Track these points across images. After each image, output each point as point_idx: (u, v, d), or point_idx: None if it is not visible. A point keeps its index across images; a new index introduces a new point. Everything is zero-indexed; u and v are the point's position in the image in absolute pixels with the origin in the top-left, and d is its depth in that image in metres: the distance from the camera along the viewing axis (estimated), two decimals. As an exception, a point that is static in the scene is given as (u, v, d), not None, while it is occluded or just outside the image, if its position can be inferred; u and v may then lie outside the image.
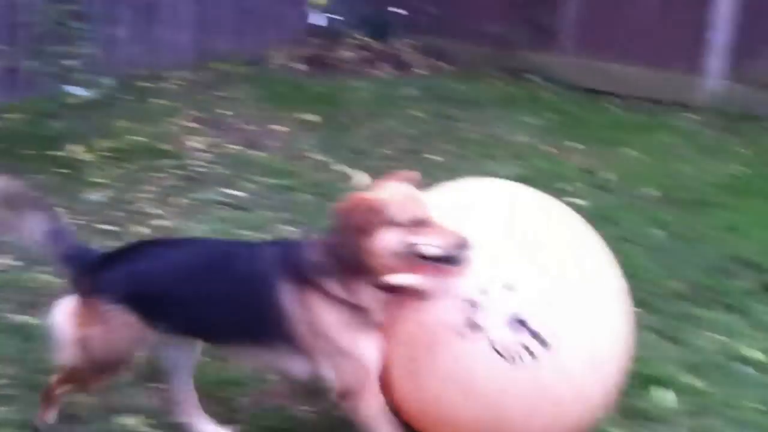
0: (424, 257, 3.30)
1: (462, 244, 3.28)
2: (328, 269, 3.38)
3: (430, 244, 3.28)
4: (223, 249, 3.65)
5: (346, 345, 3.40)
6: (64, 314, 3.53)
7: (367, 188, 3.61)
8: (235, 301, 3.45)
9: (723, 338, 4.79)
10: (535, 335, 3.30)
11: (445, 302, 3.35)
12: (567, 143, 7.84)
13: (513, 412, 3.38)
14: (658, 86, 9.25)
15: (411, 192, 3.40)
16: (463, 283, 3.34)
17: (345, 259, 3.34)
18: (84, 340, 3.50)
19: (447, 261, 3.30)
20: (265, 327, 3.43)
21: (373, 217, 3.28)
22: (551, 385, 3.35)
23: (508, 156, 7.40)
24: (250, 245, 3.74)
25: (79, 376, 3.61)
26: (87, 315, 3.49)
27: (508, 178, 4.08)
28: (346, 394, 3.44)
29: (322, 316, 3.39)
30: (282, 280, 3.40)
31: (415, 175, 3.51)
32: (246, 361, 3.85)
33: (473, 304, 3.32)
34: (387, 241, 3.28)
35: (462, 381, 3.36)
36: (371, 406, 3.44)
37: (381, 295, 3.36)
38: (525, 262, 3.40)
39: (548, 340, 3.31)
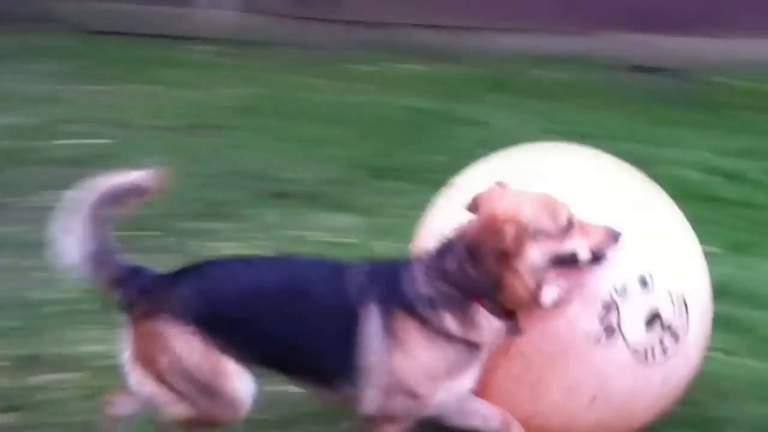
0: (576, 263, 2.95)
1: (615, 238, 2.96)
2: (440, 299, 2.95)
3: (584, 247, 2.93)
4: (304, 268, 3.21)
5: (433, 389, 3.03)
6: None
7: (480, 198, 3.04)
8: (315, 329, 3.05)
9: (234, 244, 5.18)
10: (669, 329, 3.10)
11: (578, 308, 3.03)
12: (87, 87, 7.88)
13: (639, 409, 3.18)
14: (175, 21, 9.51)
15: (543, 194, 2.97)
16: (599, 282, 3.03)
17: (473, 287, 2.91)
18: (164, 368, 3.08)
19: (597, 260, 2.97)
20: (345, 359, 3.02)
21: (521, 234, 2.85)
22: (676, 375, 3.19)
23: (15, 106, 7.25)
24: (337, 265, 3.18)
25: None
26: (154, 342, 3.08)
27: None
28: (384, 421, 3.10)
29: (419, 353, 2.98)
30: (372, 309, 2.98)
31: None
32: (318, 396, 3.32)
33: (609, 307, 3.04)
34: (537, 257, 2.88)
35: (592, 387, 3.11)
36: None
37: (499, 325, 2.97)
38: (653, 246, 3.10)
39: (679, 332, 3.11)
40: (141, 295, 3.09)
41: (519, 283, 2.88)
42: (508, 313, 2.95)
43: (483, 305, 2.92)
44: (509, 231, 2.83)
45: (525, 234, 2.84)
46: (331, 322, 3.03)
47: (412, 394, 3.00)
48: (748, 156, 7.03)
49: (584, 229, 2.93)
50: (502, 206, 2.90)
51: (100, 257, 3.07)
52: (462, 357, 2.97)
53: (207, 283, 3.11)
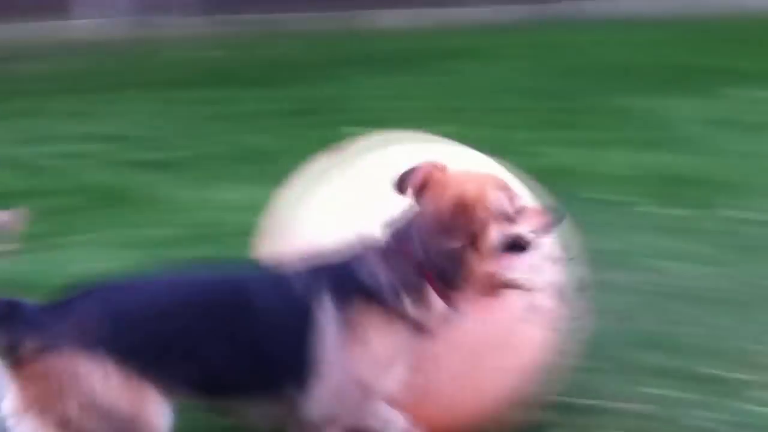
0: (524, 246, 2.87)
1: (555, 222, 2.94)
2: (401, 284, 2.77)
3: (531, 230, 2.86)
4: (229, 278, 2.85)
5: (386, 379, 2.82)
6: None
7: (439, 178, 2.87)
8: (262, 338, 2.75)
9: None
10: (566, 296, 3.17)
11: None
12: None
13: (534, 372, 3.20)
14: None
15: (496, 176, 2.92)
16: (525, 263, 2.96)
17: (433, 268, 2.77)
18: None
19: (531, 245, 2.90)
20: (297, 362, 2.75)
21: (488, 216, 2.77)
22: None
23: None
24: (268, 272, 2.90)
25: None
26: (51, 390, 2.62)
27: None
28: (331, 422, 2.84)
29: (378, 341, 2.79)
30: (325, 303, 2.73)
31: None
32: (255, 415, 2.92)
33: (531, 286, 2.99)
34: (497, 239, 2.77)
35: (515, 368, 3.13)
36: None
37: (446, 309, 2.82)
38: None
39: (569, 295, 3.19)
40: (27, 331, 2.62)
41: (481, 265, 2.79)
42: (452, 298, 2.83)
43: (435, 288, 2.80)
44: (480, 213, 2.75)
45: (491, 216, 2.77)
46: (281, 328, 2.76)
47: (366, 388, 2.82)
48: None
49: (532, 212, 2.92)
50: (469, 188, 2.78)
51: None
52: (411, 342, 2.84)
53: (114, 305, 2.71)
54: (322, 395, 2.77)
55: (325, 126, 6.54)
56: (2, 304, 2.59)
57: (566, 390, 3.43)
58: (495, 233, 2.77)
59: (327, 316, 2.74)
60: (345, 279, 2.77)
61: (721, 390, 3.63)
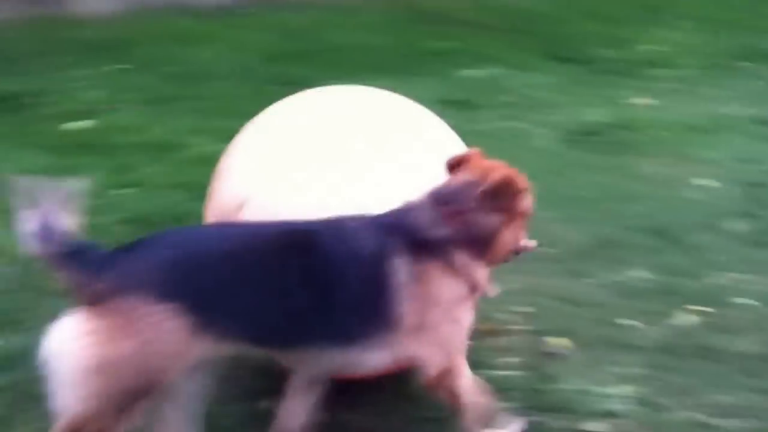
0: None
1: None
2: (457, 241, 2.93)
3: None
4: (297, 230, 2.83)
5: (459, 324, 2.99)
6: (71, 336, 2.57)
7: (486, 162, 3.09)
8: (338, 286, 2.77)
9: None
10: None
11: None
12: None
13: None
14: None
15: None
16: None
17: (478, 232, 2.96)
18: (111, 364, 2.56)
19: None
20: (361, 313, 2.81)
21: (525, 198, 3.04)
22: None
23: None
24: (331, 222, 2.89)
25: (96, 422, 2.60)
26: (112, 327, 2.57)
27: None
28: (444, 375, 2.96)
29: (442, 291, 2.92)
30: (399, 257, 2.83)
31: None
32: (313, 366, 2.98)
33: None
34: (527, 219, 3.09)
35: None
36: (466, 383, 3.02)
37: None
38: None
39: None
40: (97, 272, 2.60)
41: (509, 240, 3.04)
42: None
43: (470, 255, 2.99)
44: (525, 194, 3.03)
45: (527, 200, 3.04)
46: (353, 277, 2.81)
47: (440, 339, 2.96)
48: None
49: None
50: (514, 173, 3.03)
51: (44, 233, 2.58)
52: (468, 295, 3.01)
53: (183, 251, 2.69)
54: (392, 344, 2.88)
55: (32, 121, 6.24)
56: (75, 245, 2.60)
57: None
58: (527, 214, 3.07)
59: (398, 268, 2.83)
60: (410, 235, 2.88)
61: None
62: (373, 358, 2.93)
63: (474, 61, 7.13)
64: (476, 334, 3.90)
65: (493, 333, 4.05)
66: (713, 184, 5.42)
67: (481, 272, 3.01)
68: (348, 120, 3.37)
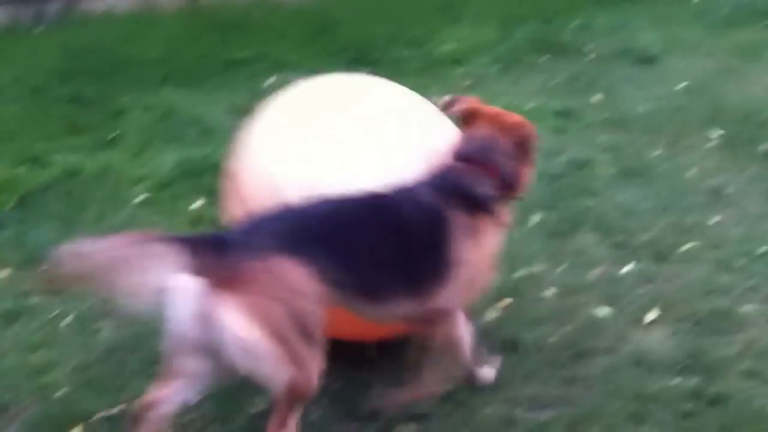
0: None
1: None
2: (495, 192, 3.35)
3: None
4: (376, 196, 3.20)
5: (490, 267, 3.42)
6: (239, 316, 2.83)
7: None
8: (412, 243, 3.17)
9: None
10: None
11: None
12: None
13: None
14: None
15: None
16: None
17: (510, 180, 3.39)
18: (278, 322, 2.87)
19: None
20: (429, 265, 3.20)
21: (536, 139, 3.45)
22: None
23: None
24: (396, 188, 3.24)
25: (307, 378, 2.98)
26: (267, 292, 2.87)
27: None
28: (445, 317, 3.34)
29: (488, 242, 3.34)
30: (456, 213, 3.23)
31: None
32: (389, 316, 3.28)
33: None
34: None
35: None
36: (461, 325, 3.44)
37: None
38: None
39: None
40: (237, 250, 2.90)
41: (529, 179, 3.46)
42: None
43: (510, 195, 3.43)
44: (535, 138, 3.44)
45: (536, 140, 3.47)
46: (426, 234, 3.18)
47: (483, 277, 3.38)
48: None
49: None
50: (525, 119, 3.46)
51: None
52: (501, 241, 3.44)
53: (298, 222, 3.05)
54: (454, 287, 3.23)
55: None
56: (210, 239, 2.99)
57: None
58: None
59: (456, 223, 3.21)
60: (460, 194, 3.25)
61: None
62: (441, 301, 3.26)
63: (275, 69, 7.03)
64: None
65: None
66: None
67: (508, 213, 3.45)
68: (346, 103, 3.68)
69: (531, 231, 4.90)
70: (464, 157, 3.35)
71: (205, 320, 2.83)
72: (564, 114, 6.26)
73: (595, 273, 4.53)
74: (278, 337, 2.87)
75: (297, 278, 2.93)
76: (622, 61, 7.22)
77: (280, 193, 3.32)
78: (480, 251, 3.29)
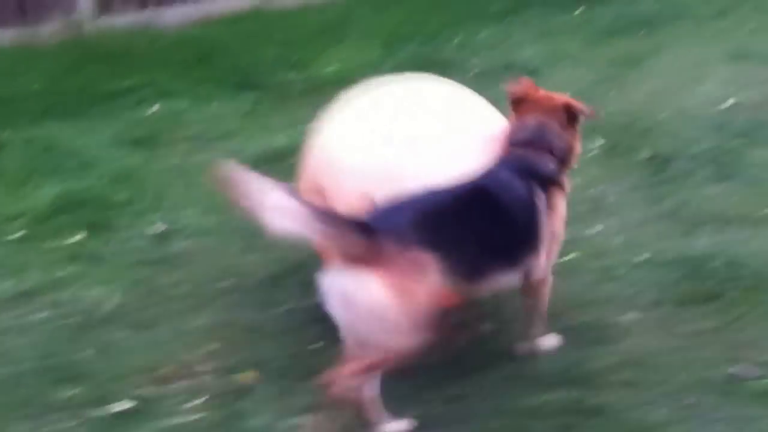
0: None
1: None
2: (558, 169, 3.80)
3: None
4: (477, 186, 3.64)
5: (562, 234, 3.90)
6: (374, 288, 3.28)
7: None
8: (501, 226, 3.61)
9: None
10: None
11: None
12: None
13: None
14: None
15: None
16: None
17: (566, 155, 3.84)
18: (414, 303, 3.34)
19: None
20: (524, 241, 3.69)
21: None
22: None
23: None
24: (486, 176, 3.71)
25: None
26: (404, 272, 3.32)
27: None
28: (540, 282, 3.86)
29: (561, 211, 3.83)
30: (538, 191, 3.69)
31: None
32: (489, 290, 3.82)
33: None
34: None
35: None
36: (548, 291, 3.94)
37: None
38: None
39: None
40: (380, 235, 3.30)
41: (579, 149, 3.91)
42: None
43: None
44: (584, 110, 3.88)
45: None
46: (520, 214, 3.65)
47: (559, 246, 3.89)
48: None
49: None
50: (568, 97, 3.93)
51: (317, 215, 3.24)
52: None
53: (423, 210, 3.45)
54: (544, 257, 3.75)
55: None
56: (362, 222, 3.35)
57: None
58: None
59: (539, 200, 3.67)
60: (535, 174, 3.70)
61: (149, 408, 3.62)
62: (535, 271, 3.78)
63: (159, 97, 6.95)
64: (158, 379, 3.78)
65: (178, 376, 3.90)
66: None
67: (568, 182, 3.88)
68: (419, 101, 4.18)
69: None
70: (524, 142, 3.80)
71: (350, 295, 3.32)
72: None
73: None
74: (406, 311, 3.32)
75: (424, 262, 3.36)
76: (505, 75, 7.25)
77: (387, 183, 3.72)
78: (557, 220, 3.80)
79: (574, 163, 3.92)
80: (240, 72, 7.39)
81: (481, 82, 7.10)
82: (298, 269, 4.69)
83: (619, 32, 8.10)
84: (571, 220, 5.01)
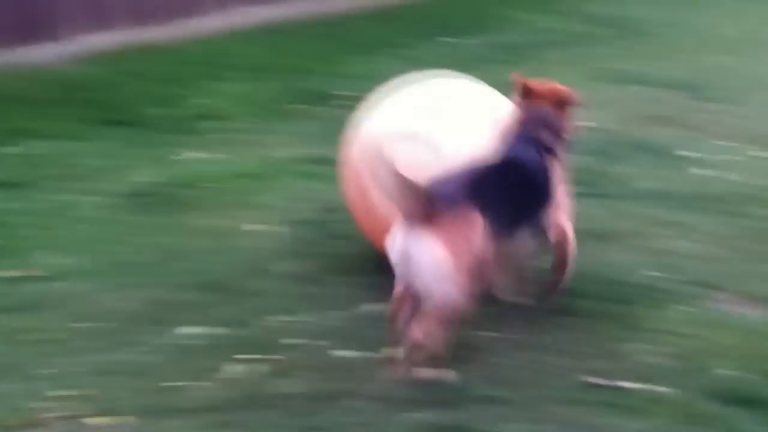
0: None
1: None
2: (559, 144, 4.36)
3: None
4: (507, 159, 4.21)
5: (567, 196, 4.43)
6: (434, 246, 3.81)
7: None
8: (528, 190, 4.24)
9: None
10: None
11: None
12: None
13: None
14: None
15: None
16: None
17: (560, 131, 4.37)
18: (468, 257, 3.89)
19: None
20: (545, 202, 4.30)
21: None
22: None
23: None
24: (510, 146, 4.28)
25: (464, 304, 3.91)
26: (459, 232, 3.87)
27: None
28: (564, 238, 4.39)
29: (561, 175, 4.36)
30: (546, 162, 4.26)
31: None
32: (513, 249, 4.35)
33: None
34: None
35: None
36: (573, 243, 4.43)
37: None
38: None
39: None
40: (438, 200, 3.84)
41: (571, 127, 4.43)
42: None
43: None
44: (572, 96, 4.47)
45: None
46: (541, 181, 4.25)
47: (567, 207, 4.43)
48: None
49: None
50: (559, 85, 4.48)
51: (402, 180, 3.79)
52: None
53: (472, 180, 4.02)
54: (554, 218, 4.33)
55: None
56: (423, 190, 3.83)
57: None
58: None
59: (551, 169, 4.26)
60: (543, 147, 4.27)
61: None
62: (549, 230, 4.36)
63: (21, 138, 6.69)
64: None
65: (27, 425, 3.67)
66: (265, 228, 5.38)
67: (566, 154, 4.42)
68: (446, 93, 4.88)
69: (276, 281, 4.78)
70: (530, 121, 4.34)
71: (409, 251, 3.84)
72: (320, 161, 6.18)
73: (337, 315, 4.46)
74: (460, 264, 3.83)
75: (474, 222, 3.91)
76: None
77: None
78: (561, 183, 4.36)
79: (569, 137, 4.43)
80: (109, 108, 7.20)
81: (353, 114, 7.06)
82: (157, 307, 4.54)
83: (488, 61, 8.17)
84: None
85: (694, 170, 5.63)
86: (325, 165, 6.08)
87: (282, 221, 5.41)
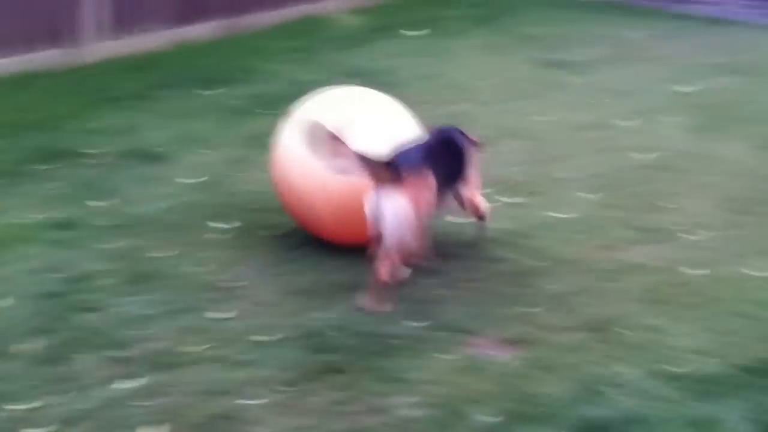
0: None
1: None
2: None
3: None
4: (442, 134, 5.47)
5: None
6: (400, 201, 4.92)
7: None
8: (458, 160, 5.46)
9: None
10: None
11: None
12: None
13: None
14: None
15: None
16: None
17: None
18: (424, 207, 5.06)
19: None
20: (465, 170, 5.49)
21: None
22: None
23: None
24: (444, 130, 5.57)
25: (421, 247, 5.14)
26: (418, 189, 4.99)
27: None
28: (474, 198, 5.64)
29: (476, 158, 5.59)
30: (468, 145, 5.52)
31: None
32: (451, 200, 5.52)
33: None
34: None
35: None
36: (482, 201, 5.72)
37: None
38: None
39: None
40: (404, 165, 4.97)
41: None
42: None
43: None
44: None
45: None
46: (462, 155, 5.46)
47: (476, 181, 5.64)
48: None
49: None
50: None
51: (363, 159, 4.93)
52: None
53: (427, 150, 5.19)
54: (467, 185, 5.53)
55: None
56: (391, 158, 5.02)
57: None
58: None
59: (469, 150, 5.50)
60: (465, 136, 5.54)
61: None
62: (463, 193, 5.52)
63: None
64: None
65: None
66: (5, 303, 4.98)
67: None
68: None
69: (19, 362, 4.45)
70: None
71: (379, 206, 4.90)
72: (66, 225, 5.86)
73: (87, 396, 4.19)
74: (420, 215, 4.97)
75: (431, 182, 5.05)
76: (131, 162, 6.92)
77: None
78: (475, 161, 5.54)
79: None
80: None
81: (107, 171, 6.76)
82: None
83: (249, 112, 8.05)
84: (198, 310, 4.86)
85: (447, 217, 5.69)
86: (71, 230, 5.79)
87: (24, 295, 5.03)
